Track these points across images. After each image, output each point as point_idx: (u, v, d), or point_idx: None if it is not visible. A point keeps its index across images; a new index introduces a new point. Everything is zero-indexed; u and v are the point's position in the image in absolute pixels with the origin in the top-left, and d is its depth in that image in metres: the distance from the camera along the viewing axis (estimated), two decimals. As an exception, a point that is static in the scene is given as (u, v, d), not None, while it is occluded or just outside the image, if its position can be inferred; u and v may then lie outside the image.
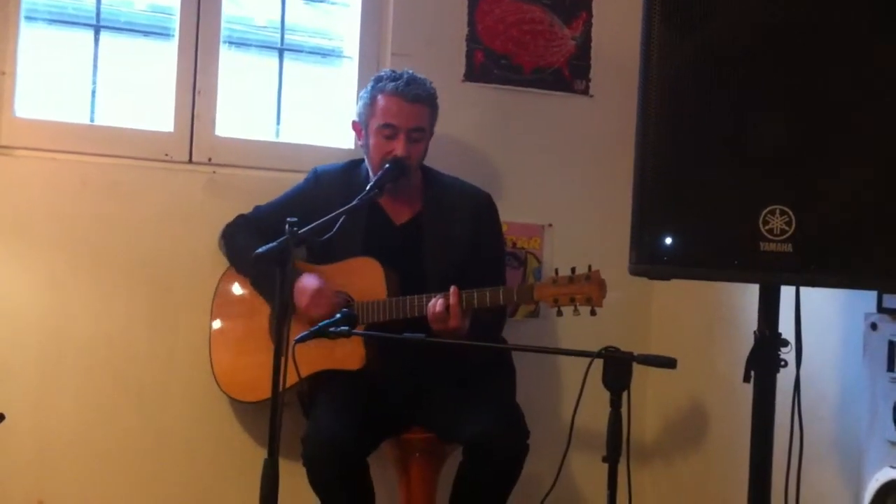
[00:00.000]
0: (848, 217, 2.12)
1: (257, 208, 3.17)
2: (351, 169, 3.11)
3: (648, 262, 2.26)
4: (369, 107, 3.00)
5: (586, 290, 2.70)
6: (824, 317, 2.80)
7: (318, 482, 2.74)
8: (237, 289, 3.13)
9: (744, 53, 2.18)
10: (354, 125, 3.09)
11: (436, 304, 2.77)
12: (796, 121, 2.15)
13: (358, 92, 3.40)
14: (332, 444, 2.69)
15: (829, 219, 2.13)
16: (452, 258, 3.00)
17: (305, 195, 3.09)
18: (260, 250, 2.33)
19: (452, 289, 2.76)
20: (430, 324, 2.77)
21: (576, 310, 2.71)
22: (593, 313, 2.71)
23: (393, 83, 2.96)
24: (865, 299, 2.57)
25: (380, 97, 2.97)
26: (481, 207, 3.11)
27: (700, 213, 2.21)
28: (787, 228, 2.13)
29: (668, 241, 2.23)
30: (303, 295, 2.89)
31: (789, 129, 2.15)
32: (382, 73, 3.04)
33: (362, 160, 3.10)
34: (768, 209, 2.14)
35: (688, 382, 3.45)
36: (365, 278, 2.93)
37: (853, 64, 2.12)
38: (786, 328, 2.38)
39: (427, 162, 3.10)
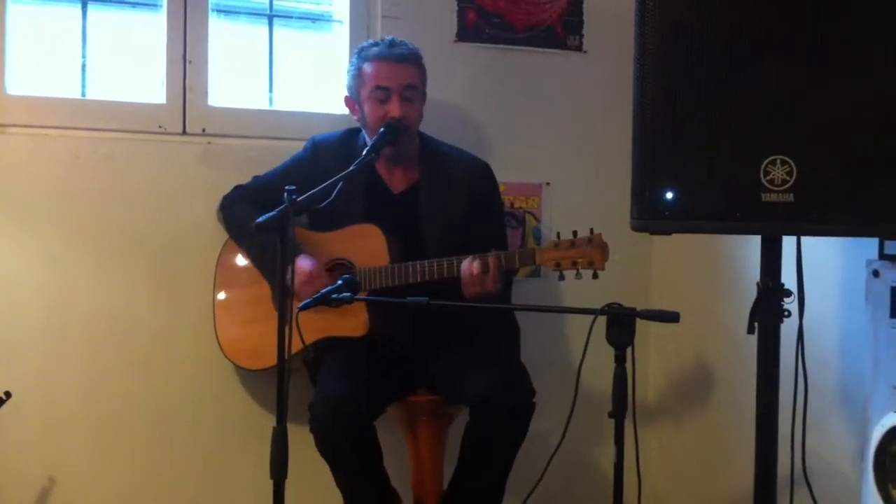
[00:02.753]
0: (848, 164, 2.12)
1: (255, 178, 3.16)
2: (348, 137, 3.10)
3: (650, 217, 2.25)
4: (357, 77, 3.00)
5: (588, 253, 2.71)
6: (826, 265, 2.80)
7: (326, 447, 2.75)
8: (240, 257, 3.12)
9: (741, 1, 2.16)
10: (347, 101, 3.08)
11: (472, 265, 2.76)
12: (795, 70, 2.13)
13: (349, 57, 3.39)
14: (339, 408, 2.70)
15: (830, 167, 2.12)
16: (450, 227, 3.01)
17: (304, 165, 3.08)
18: (260, 219, 2.31)
19: (493, 252, 2.77)
20: (464, 287, 2.77)
21: (578, 273, 2.73)
22: (595, 276, 2.72)
23: (375, 48, 2.98)
24: (866, 246, 2.56)
25: (365, 65, 2.98)
26: (479, 177, 3.11)
27: (700, 166, 2.20)
28: (787, 178, 2.13)
29: (669, 195, 2.22)
30: (297, 277, 2.89)
31: (788, 78, 2.13)
32: (363, 44, 3.05)
33: (360, 129, 3.09)
34: (769, 159, 2.13)
35: (690, 337, 3.46)
36: (367, 244, 2.93)
37: (852, 10, 2.10)
38: (787, 278, 2.38)
39: (422, 124, 3.08)
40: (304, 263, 2.91)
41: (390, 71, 2.94)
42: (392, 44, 2.98)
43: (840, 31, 2.11)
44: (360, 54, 3.01)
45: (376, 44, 2.99)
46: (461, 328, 2.96)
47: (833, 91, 2.11)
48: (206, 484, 3.25)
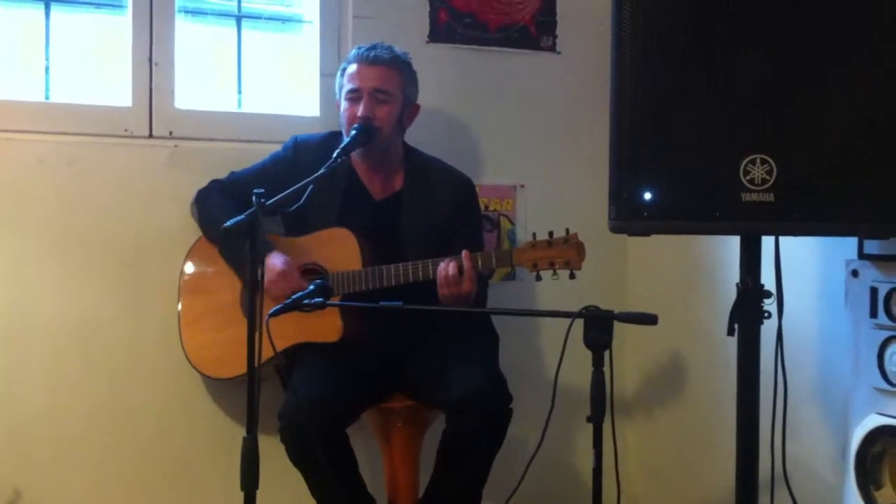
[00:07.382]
0: (828, 163, 2.10)
1: (233, 174, 3.10)
2: (330, 140, 3.05)
3: (628, 218, 2.22)
4: (340, 79, 3.01)
5: (565, 253, 2.71)
6: (805, 266, 2.78)
7: (298, 454, 2.69)
8: (206, 263, 3.05)
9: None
10: (337, 105, 3.06)
11: (448, 266, 2.74)
12: (775, 69, 2.11)
13: (320, 58, 3.37)
14: (311, 414, 2.63)
15: (810, 166, 2.11)
16: (431, 237, 2.97)
17: (283, 164, 3.04)
18: (228, 223, 2.26)
19: (464, 252, 2.75)
20: (440, 289, 2.74)
21: (555, 273, 2.73)
22: (572, 277, 2.73)
23: (356, 51, 2.98)
24: (846, 246, 2.55)
25: (347, 68, 2.99)
26: (462, 191, 3.10)
27: (679, 166, 2.18)
28: (768, 178, 2.11)
29: (648, 195, 2.20)
30: (268, 274, 2.84)
31: (768, 77, 2.12)
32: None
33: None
34: (749, 159, 2.11)
35: (666, 337, 3.43)
36: (339, 249, 2.88)
37: (831, 7, 2.08)
38: (765, 279, 2.35)
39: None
40: (275, 261, 2.85)
41: (363, 72, 2.93)
42: (371, 47, 2.97)
43: (820, 30, 2.09)
44: (346, 60, 3.01)
45: (359, 48, 2.99)
46: (438, 332, 2.92)
47: (813, 90, 2.10)
48: (174, 496, 3.17)
